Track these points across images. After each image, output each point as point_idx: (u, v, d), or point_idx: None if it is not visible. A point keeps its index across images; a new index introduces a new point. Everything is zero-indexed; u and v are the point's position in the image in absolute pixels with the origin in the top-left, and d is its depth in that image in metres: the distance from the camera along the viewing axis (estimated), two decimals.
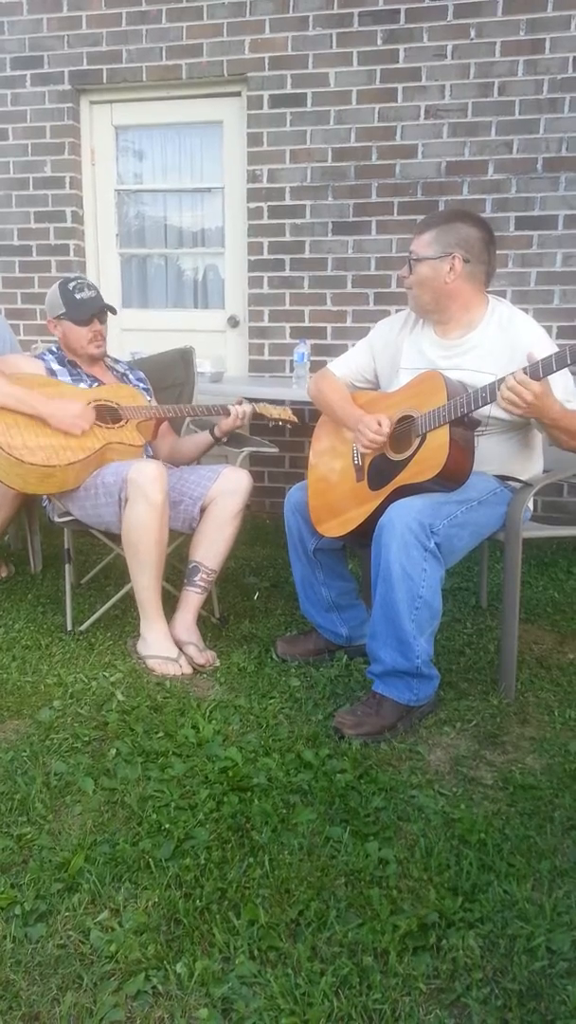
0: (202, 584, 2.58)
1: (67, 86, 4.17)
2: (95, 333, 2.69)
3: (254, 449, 2.92)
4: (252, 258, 4.08)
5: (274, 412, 2.76)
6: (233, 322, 4.29)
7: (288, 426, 2.82)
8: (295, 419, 2.79)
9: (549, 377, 1.95)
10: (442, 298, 2.22)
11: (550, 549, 3.67)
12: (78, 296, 2.66)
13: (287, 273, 4.04)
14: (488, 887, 1.50)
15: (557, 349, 1.96)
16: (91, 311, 2.66)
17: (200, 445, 2.84)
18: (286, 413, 2.77)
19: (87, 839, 1.64)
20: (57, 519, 2.66)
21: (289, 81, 3.87)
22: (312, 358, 3.74)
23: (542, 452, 2.33)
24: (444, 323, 2.26)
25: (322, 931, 1.40)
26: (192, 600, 2.57)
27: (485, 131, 3.68)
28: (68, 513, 2.62)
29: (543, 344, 2.14)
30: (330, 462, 2.42)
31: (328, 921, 1.42)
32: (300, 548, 2.44)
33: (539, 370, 1.93)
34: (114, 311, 2.76)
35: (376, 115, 3.79)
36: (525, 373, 1.93)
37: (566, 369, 1.97)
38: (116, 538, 2.54)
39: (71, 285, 2.68)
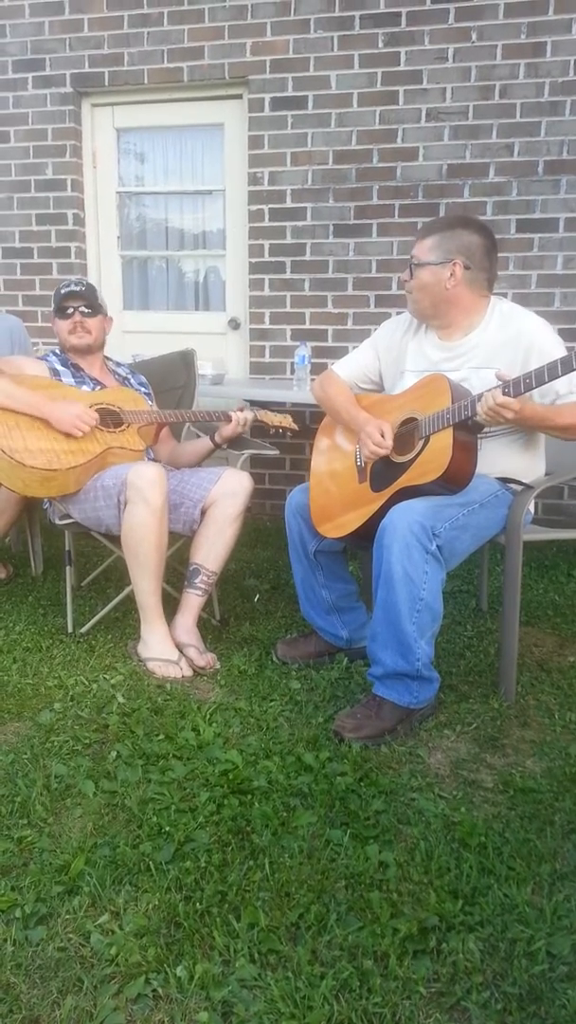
0: (203, 586, 2.58)
1: (69, 89, 4.17)
2: (75, 324, 2.73)
3: (255, 451, 2.92)
4: (253, 260, 4.09)
5: (274, 419, 2.77)
6: (234, 324, 4.29)
7: (288, 433, 2.82)
8: (295, 427, 2.80)
9: None
10: (441, 303, 2.23)
11: (551, 552, 3.67)
12: (62, 291, 2.75)
13: (288, 275, 4.04)
14: (488, 891, 1.50)
15: (558, 338, 1.97)
16: (61, 299, 2.73)
17: (200, 451, 2.84)
18: (286, 421, 2.78)
19: (87, 842, 1.64)
20: (58, 521, 2.66)
21: (290, 84, 3.87)
22: (313, 360, 3.74)
23: (544, 455, 2.34)
24: (445, 327, 2.27)
25: (322, 934, 1.40)
26: (192, 602, 2.57)
27: (486, 134, 3.69)
28: (68, 515, 2.63)
29: (544, 334, 2.16)
30: (332, 463, 2.42)
31: (328, 924, 1.42)
32: (301, 550, 2.44)
33: (520, 386, 1.94)
34: (88, 304, 2.71)
35: (377, 118, 3.80)
36: (504, 391, 1.94)
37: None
38: (117, 540, 2.53)
39: (62, 283, 2.78)
